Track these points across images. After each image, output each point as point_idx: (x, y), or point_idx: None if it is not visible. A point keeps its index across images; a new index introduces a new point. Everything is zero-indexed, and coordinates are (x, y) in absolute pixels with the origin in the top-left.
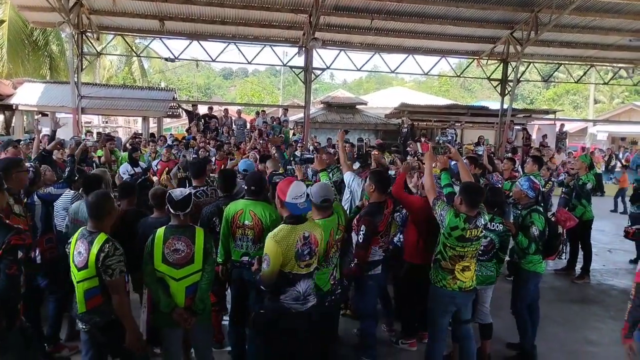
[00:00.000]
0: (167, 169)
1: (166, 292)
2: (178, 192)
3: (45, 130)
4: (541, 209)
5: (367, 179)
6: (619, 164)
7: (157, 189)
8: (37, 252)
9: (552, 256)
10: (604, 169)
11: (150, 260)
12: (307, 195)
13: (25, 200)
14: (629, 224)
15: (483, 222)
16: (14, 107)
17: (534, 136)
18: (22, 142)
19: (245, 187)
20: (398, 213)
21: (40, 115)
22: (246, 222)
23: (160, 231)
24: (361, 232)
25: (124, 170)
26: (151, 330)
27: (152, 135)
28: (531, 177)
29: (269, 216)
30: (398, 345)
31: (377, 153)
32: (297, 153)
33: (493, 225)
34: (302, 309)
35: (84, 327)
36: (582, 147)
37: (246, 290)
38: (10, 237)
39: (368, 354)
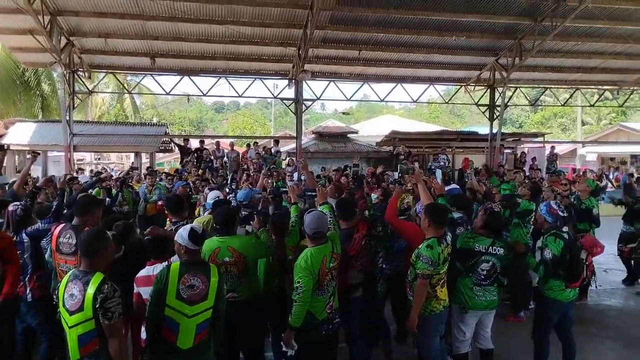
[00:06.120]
0: None
1: (174, 331)
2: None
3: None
4: (563, 233)
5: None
6: (609, 184)
7: (154, 228)
8: (28, 291)
9: (575, 283)
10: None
11: (163, 295)
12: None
13: (15, 238)
14: (622, 243)
15: (450, 240)
16: (5, 148)
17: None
18: (7, 184)
19: (214, 224)
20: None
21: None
22: (226, 259)
23: (175, 266)
24: None
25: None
26: None
27: (150, 168)
28: (551, 202)
29: (252, 246)
30: None
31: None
32: (288, 182)
33: (494, 250)
34: None
35: None
36: (573, 169)
37: (234, 327)
38: None
39: None
